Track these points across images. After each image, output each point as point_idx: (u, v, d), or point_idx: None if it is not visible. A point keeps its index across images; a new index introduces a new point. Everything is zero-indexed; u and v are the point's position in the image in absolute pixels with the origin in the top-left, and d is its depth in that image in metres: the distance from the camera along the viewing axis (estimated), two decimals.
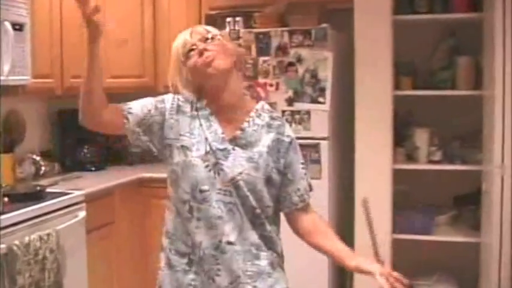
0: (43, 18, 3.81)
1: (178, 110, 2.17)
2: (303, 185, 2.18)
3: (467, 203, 4.15)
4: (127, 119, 2.14)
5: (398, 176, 3.95)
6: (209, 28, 2.18)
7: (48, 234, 3.17)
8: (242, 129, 2.13)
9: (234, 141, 2.12)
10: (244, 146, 2.12)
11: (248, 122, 2.15)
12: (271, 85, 3.87)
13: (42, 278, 3.09)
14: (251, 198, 2.09)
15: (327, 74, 3.76)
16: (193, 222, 2.10)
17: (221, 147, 2.10)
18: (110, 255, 3.96)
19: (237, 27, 3.99)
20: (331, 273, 3.95)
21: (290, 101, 3.83)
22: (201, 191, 2.08)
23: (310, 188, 2.22)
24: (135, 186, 4.26)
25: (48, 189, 3.54)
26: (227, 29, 4.02)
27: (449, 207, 4.23)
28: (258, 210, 2.11)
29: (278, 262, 2.20)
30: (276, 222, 2.20)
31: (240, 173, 2.08)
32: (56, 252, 3.19)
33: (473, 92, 3.90)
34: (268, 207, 2.15)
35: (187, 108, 2.17)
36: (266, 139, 2.14)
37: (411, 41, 4.10)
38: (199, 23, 4.41)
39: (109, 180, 4.05)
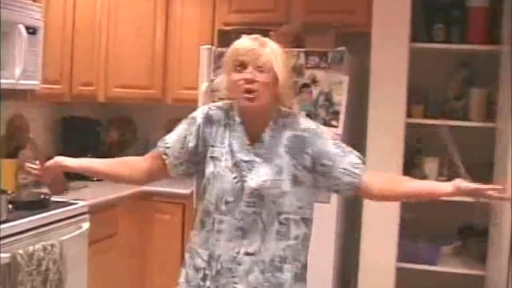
0: (56, 24, 3.76)
1: (210, 120, 2.19)
2: (346, 161, 2.14)
3: (472, 234, 4.12)
4: (166, 154, 2.22)
5: (405, 204, 3.90)
6: (271, 54, 2.09)
7: (52, 245, 3.10)
8: (262, 141, 2.14)
9: (257, 152, 2.13)
10: (266, 154, 2.12)
11: (265, 131, 2.14)
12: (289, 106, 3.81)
13: None
14: (277, 204, 2.09)
15: (341, 98, 3.72)
16: (214, 235, 2.10)
17: (246, 159, 2.11)
18: (110, 269, 3.88)
19: None
20: (336, 273, 3.89)
21: None
22: (226, 202, 2.09)
23: (360, 158, 2.18)
24: (139, 199, 4.18)
25: (53, 198, 3.46)
26: None
27: (454, 237, 4.18)
28: (285, 216, 2.10)
29: (302, 273, 2.19)
30: (303, 226, 2.16)
31: (265, 181, 2.08)
32: (58, 264, 3.12)
33: (486, 123, 3.87)
34: (300, 208, 2.13)
35: (220, 116, 2.19)
36: (283, 139, 2.13)
37: (424, 69, 4.08)
38: (212, 38, 4.38)
39: (112, 191, 3.96)
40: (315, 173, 2.13)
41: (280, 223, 2.09)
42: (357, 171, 2.13)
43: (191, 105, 4.04)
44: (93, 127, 4.69)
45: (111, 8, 4.33)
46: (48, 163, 2.27)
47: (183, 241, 4.20)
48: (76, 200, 3.56)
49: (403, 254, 3.91)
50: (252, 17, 4.30)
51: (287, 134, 2.14)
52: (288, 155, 2.11)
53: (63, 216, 3.32)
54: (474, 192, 1.98)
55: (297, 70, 3.73)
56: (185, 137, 2.18)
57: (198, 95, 4.02)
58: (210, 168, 2.12)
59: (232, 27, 4.23)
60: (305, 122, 2.19)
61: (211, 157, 2.13)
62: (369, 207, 3.80)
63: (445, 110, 4.07)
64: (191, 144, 2.17)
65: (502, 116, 3.66)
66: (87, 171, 2.36)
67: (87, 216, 3.51)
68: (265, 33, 3.99)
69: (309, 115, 3.73)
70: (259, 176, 2.08)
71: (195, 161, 2.19)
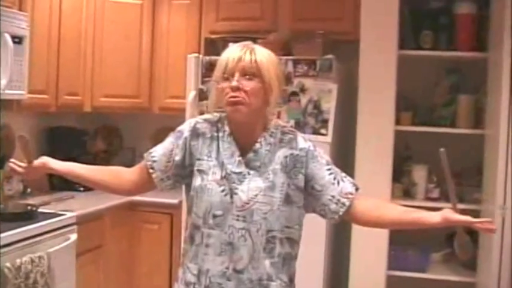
0: (41, 33, 3.73)
1: (197, 133, 2.15)
2: (337, 190, 2.09)
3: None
4: (152, 168, 2.17)
5: None
6: (259, 62, 2.04)
7: (39, 257, 3.06)
8: (255, 151, 2.08)
9: (249, 164, 2.08)
10: (259, 168, 2.07)
11: (260, 142, 2.09)
12: (272, 114, 3.79)
13: None
14: (266, 221, 2.04)
15: (330, 106, 3.70)
16: (203, 249, 2.06)
17: (237, 170, 2.07)
18: (98, 280, 3.84)
19: None
20: (326, 282, 3.87)
21: None
22: (214, 216, 2.04)
23: (354, 185, 2.12)
24: (126, 209, 4.15)
25: (40, 210, 3.42)
26: None
27: (443, 244, 4.17)
28: (273, 234, 2.05)
29: None
30: (286, 246, 2.10)
31: (256, 195, 2.04)
32: (46, 276, 3.08)
33: (474, 130, 3.87)
34: (287, 228, 2.08)
35: (206, 129, 2.15)
36: (279, 155, 2.09)
37: (413, 76, 4.08)
38: (199, 47, 4.35)
39: (99, 202, 3.93)
40: (305, 193, 2.10)
41: (268, 241, 2.05)
42: (345, 201, 2.08)
43: (178, 114, 4.06)
44: (79, 137, 4.65)
45: (97, 17, 4.31)
46: (35, 163, 2.21)
47: (171, 251, 4.17)
48: (63, 211, 3.52)
49: (393, 262, 3.90)
50: (239, 25, 4.27)
51: (284, 151, 2.09)
52: (283, 174, 2.07)
53: (50, 228, 3.28)
54: (462, 224, 1.96)
55: (285, 78, 3.71)
56: (171, 151, 2.14)
57: (185, 104, 3.98)
58: (197, 182, 2.08)
59: (219, 36, 4.21)
60: (303, 142, 2.13)
61: (199, 170, 2.09)
62: None
63: (434, 117, 4.08)
64: (177, 158, 2.13)
65: (492, 122, 3.66)
66: (72, 176, 2.27)
67: (74, 227, 3.47)
68: (252, 42, 4.03)
69: (297, 123, 3.73)
70: (250, 189, 2.04)
71: (183, 174, 2.15)
